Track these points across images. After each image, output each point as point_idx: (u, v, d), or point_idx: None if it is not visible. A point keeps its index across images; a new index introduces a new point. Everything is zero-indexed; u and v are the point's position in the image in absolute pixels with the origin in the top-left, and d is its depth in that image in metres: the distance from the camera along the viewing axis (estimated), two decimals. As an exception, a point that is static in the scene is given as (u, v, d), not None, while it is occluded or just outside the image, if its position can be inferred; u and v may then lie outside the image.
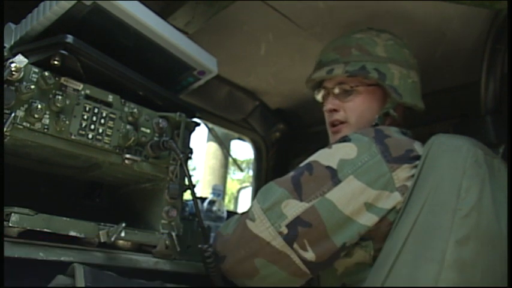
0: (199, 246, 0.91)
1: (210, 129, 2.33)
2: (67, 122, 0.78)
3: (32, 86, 0.73)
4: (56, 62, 0.78)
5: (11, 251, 0.70)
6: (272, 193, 0.89)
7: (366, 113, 1.08)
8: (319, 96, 1.17)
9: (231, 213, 1.60)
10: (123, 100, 0.88)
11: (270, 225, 0.86)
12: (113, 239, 0.81)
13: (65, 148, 0.79)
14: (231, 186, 11.21)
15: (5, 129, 0.71)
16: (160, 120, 0.92)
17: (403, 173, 0.89)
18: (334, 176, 0.88)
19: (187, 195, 1.11)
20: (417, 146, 0.94)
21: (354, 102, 1.08)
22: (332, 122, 1.12)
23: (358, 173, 0.87)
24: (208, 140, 6.82)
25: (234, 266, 0.90)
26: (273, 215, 0.86)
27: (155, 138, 0.91)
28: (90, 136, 0.81)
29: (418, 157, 0.90)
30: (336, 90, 1.10)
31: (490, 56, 1.25)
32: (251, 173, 2.31)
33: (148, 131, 0.90)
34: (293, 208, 0.86)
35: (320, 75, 1.12)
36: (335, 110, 1.10)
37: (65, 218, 0.77)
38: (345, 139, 0.94)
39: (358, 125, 1.07)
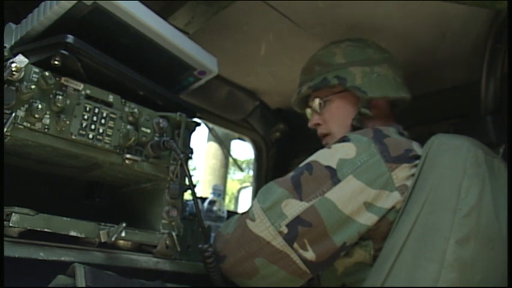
0: (200, 246, 0.92)
1: (210, 129, 2.33)
2: (67, 122, 0.78)
3: (33, 86, 0.73)
4: (56, 62, 0.78)
5: (12, 251, 0.70)
6: (272, 193, 0.89)
7: (343, 118, 1.11)
8: (308, 115, 1.23)
9: (231, 213, 1.60)
10: (123, 100, 0.88)
11: (270, 224, 0.86)
12: (113, 239, 0.81)
13: (66, 148, 0.80)
14: (231, 186, 11.21)
15: (5, 129, 0.71)
16: (161, 120, 0.92)
17: (402, 173, 0.89)
18: (333, 176, 0.88)
19: (187, 195, 1.11)
20: (416, 146, 0.94)
21: (329, 111, 1.13)
22: (321, 136, 1.17)
23: (357, 172, 0.88)
24: (209, 140, 6.82)
25: (234, 266, 0.90)
26: (273, 214, 0.86)
27: (155, 138, 0.91)
28: (90, 136, 0.81)
29: (417, 157, 0.91)
30: (314, 106, 1.16)
31: (490, 56, 1.25)
32: (251, 173, 2.31)
33: (148, 131, 0.90)
34: (293, 208, 0.86)
35: (293, 99, 1.24)
36: (318, 124, 1.16)
37: (65, 218, 0.77)
38: (344, 139, 0.95)
39: (340, 131, 1.10)
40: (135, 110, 0.88)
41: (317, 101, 1.15)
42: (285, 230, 0.85)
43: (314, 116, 1.17)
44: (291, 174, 0.93)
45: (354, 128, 1.08)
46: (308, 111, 1.22)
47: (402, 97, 1.10)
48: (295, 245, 0.85)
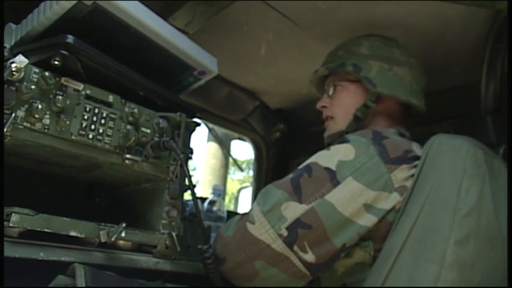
0: (199, 246, 0.92)
1: (210, 129, 2.33)
2: (67, 122, 0.78)
3: (33, 86, 0.73)
4: (56, 62, 0.78)
5: (12, 251, 0.70)
6: (272, 195, 0.89)
7: (350, 107, 1.12)
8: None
9: (231, 214, 1.60)
10: (123, 100, 0.87)
11: (270, 227, 0.86)
12: (113, 239, 0.80)
13: (66, 148, 0.79)
14: (231, 186, 11.21)
15: (5, 129, 0.71)
16: (161, 120, 0.92)
17: (401, 174, 0.89)
18: (333, 178, 0.88)
19: (187, 196, 1.11)
20: (415, 147, 0.94)
21: (339, 97, 1.15)
22: (325, 118, 1.19)
23: (356, 174, 0.88)
24: (209, 140, 6.82)
25: (234, 269, 0.90)
26: (272, 217, 0.86)
27: (155, 139, 0.91)
28: (90, 136, 0.81)
29: (416, 158, 0.91)
30: (328, 89, 1.18)
31: (490, 56, 1.25)
32: (251, 173, 2.31)
33: (148, 131, 0.90)
34: (293, 210, 0.86)
35: (311, 77, 1.25)
36: (325, 107, 1.18)
37: (65, 218, 0.77)
38: (343, 140, 0.95)
39: (344, 118, 1.12)
40: (135, 110, 0.87)
41: (331, 84, 1.17)
42: (285, 233, 0.85)
43: (324, 99, 1.18)
44: (290, 176, 0.92)
45: (356, 118, 1.09)
46: (323, 94, 1.23)
47: (412, 103, 1.10)
48: (295, 248, 0.85)
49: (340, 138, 0.98)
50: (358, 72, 1.09)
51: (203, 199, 1.60)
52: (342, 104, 1.13)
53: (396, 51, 1.13)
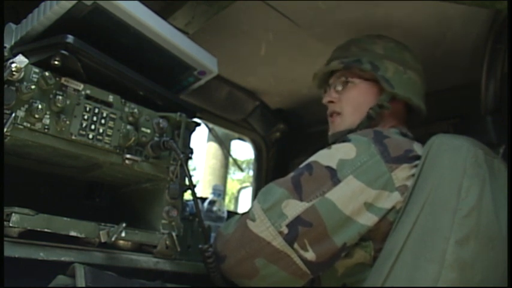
0: (200, 246, 0.92)
1: (210, 129, 2.33)
2: (67, 122, 0.78)
3: (33, 86, 0.73)
4: (56, 62, 0.78)
5: (12, 251, 0.70)
6: (272, 193, 0.89)
7: (361, 105, 1.10)
8: (324, 93, 1.21)
9: (231, 213, 1.60)
10: (123, 100, 0.87)
11: (270, 225, 0.86)
12: (113, 239, 0.80)
13: (66, 148, 0.79)
14: (231, 186, 11.20)
15: (5, 129, 0.70)
16: (161, 120, 0.92)
17: (402, 173, 0.89)
18: (333, 176, 0.88)
19: (187, 195, 1.11)
20: (416, 147, 0.94)
21: (350, 93, 1.12)
22: (330, 114, 1.16)
23: (357, 173, 0.88)
24: (209, 140, 6.82)
25: (235, 266, 0.90)
26: (273, 214, 0.86)
27: (155, 138, 0.91)
28: (90, 136, 0.81)
29: (417, 157, 0.91)
30: (336, 84, 1.15)
31: (490, 56, 1.25)
32: (251, 173, 2.31)
33: (148, 131, 0.90)
34: (293, 208, 0.86)
35: (320, 70, 1.19)
36: (332, 102, 1.15)
37: (65, 218, 0.77)
38: (344, 139, 0.95)
39: (353, 116, 1.10)
40: (135, 110, 0.87)
41: (342, 79, 1.13)
42: (285, 230, 0.85)
43: (332, 93, 1.15)
44: (291, 174, 0.93)
45: (368, 117, 1.08)
46: (327, 88, 1.20)
47: (420, 108, 1.11)
48: (296, 245, 0.85)
49: (341, 137, 0.98)
50: (375, 71, 1.08)
51: (203, 199, 1.60)
52: (352, 101, 1.11)
53: (407, 54, 1.14)
